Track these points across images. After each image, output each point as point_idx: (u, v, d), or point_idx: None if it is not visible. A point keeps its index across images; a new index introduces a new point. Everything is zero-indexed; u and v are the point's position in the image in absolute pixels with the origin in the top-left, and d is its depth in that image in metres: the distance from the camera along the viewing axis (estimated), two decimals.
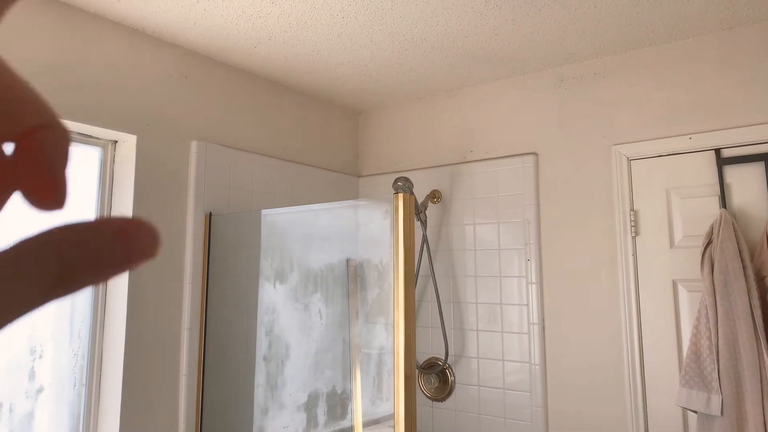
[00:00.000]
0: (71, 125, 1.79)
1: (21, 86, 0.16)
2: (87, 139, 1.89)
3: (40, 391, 1.74)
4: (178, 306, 2.00)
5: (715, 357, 1.76)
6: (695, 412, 1.80)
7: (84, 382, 1.84)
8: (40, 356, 1.75)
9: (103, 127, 1.83)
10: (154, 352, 1.91)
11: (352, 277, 1.90)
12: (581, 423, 2.12)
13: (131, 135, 1.91)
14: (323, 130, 2.75)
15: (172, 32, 1.98)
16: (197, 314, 2.03)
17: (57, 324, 1.79)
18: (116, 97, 1.87)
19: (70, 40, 1.76)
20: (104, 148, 1.95)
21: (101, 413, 1.85)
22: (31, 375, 1.72)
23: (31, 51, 1.67)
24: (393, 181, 2.23)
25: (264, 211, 2.05)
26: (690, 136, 1.99)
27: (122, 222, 0.17)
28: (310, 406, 1.89)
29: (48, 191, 0.16)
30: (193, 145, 2.09)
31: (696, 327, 1.82)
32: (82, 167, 1.91)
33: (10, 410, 1.67)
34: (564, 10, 1.84)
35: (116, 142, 1.96)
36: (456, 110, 2.62)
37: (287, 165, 2.48)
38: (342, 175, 2.80)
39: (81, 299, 1.85)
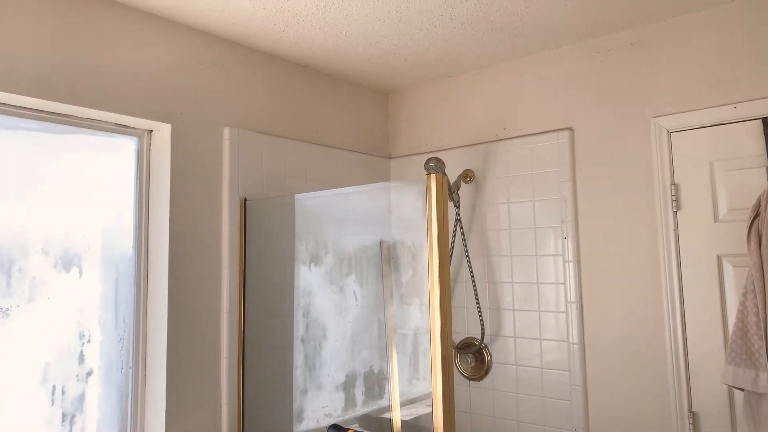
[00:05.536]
0: (109, 116, 1.83)
1: None
2: (124, 129, 1.93)
3: (89, 373, 1.81)
4: (217, 291, 2.04)
5: (763, 333, 1.70)
6: (742, 389, 1.75)
7: (131, 364, 1.91)
8: (89, 341, 1.82)
9: (139, 117, 1.86)
10: (196, 335, 1.96)
11: (386, 259, 1.90)
12: (622, 401, 2.09)
13: (166, 124, 1.94)
14: (353, 113, 2.74)
15: (202, 19, 1.99)
16: (236, 298, 2.08)
17: (103, 310, 1.86)
18: (150, 87, 1.90)
19: (103, 33, 1.79)
20: (140, 137, 1.99)
21: (148, 394, 1.91)
22: (81, 359, 1.79)
23: (67, 44, 1.70)
24: (425, 161, 2.21)
25: (297, 196, 2.07)
26: (735, 105, 1.91)
27: None
28: (348, 386, 1.92)
29: None
30: (226, 131, 2.11)
31: (742, 303, 1.76)
32: (119, 157, 1.95)
33: (63, 392, 1.74)
34: None
35: (151, 131, 2.00)
36: (488, 87, 2.57)
37: (318, 148, 2.49)
38: (373, 157, 2.79)
39: (124, 287, 1.91)
